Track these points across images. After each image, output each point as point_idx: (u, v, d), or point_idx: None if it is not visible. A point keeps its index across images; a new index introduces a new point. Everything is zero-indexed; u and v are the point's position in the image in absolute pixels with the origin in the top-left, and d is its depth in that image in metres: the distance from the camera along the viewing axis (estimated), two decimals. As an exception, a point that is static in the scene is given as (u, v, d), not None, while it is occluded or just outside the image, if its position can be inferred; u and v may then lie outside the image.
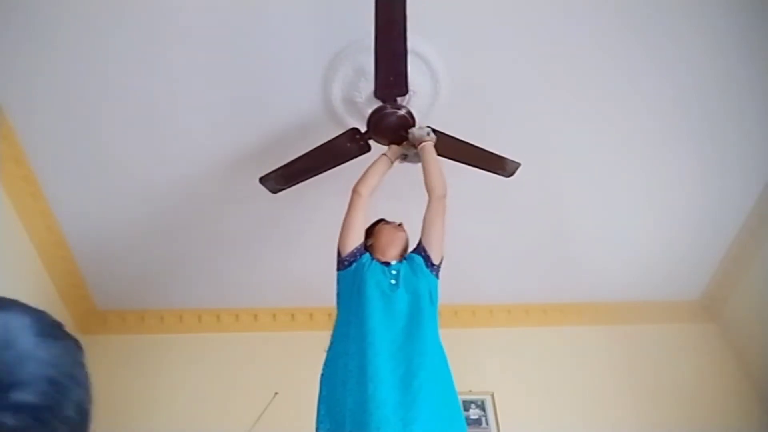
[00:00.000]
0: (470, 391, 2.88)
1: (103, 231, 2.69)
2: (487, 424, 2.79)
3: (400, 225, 1.92)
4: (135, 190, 2.52)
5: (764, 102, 2.39)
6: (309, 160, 2.06)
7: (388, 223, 1.93)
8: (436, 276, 1.78)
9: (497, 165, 2.21)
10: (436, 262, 1.78)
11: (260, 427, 2.63)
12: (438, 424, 1.39)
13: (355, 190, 1.81)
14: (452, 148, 2.09)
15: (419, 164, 1.94)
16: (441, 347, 1.61)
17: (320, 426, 1.44)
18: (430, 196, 1.86)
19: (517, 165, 2.23)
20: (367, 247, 1.82)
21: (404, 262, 1.78)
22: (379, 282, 1.65)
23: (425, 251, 1.80)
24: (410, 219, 1.95)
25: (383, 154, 1.95)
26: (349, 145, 2.02)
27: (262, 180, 2.15)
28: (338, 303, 1.70)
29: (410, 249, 1.88)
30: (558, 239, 2.96)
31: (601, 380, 3.04)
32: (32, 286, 2.62)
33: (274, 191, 2.21)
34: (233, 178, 2.48)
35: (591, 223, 2.89)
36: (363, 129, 2.03)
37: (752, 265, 3.05)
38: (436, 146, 1.93)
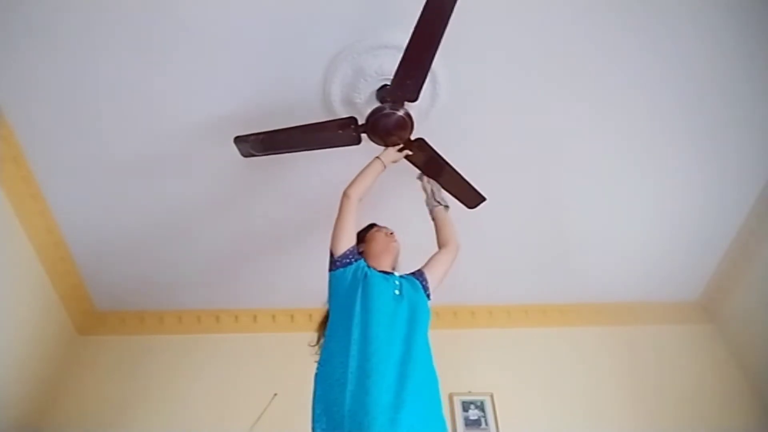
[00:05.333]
0: (470, 392, 2.89)
1: (102, 232, 2.69)
2: (487, 424, 2.79)
3: (392, 234, 1.95)
4: (135, 190, 2.52)
5: (763, 103, 2.39)
6: (294, 134, 2.01)
7: (380, 229, 1.95)
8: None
9: (466, 194, 2.27)
10: (431, 294, 1.86)
11: (259, 427, 2.63)
12: (422, 425, 1.41)
13: (345, 194, 1.81)
14: (430, 164, 2.13)
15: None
16: (431, 354, 1.63)
17: (316, 426, 1.43)
18: (446, 247, 2.00)
19: (482, 199, 2.30)
20: (360, 252, 1.82)
21: (404, 279, 1.81)
22: (385, 290, 1.66)
23: (426, 282, 1.86)
24: (405, 218, 1.97)
25: (377, 157, 1.95)
26: (340, 132, 1.99)
27: (238, 140, 2.04)
28: (333, 303, 1.69)
29: (407, 271, 1.90)
30: (557, 240, 2.97)
31: (601, 381, 3.04)
32: (31, 287, 2.62)
33: (246, 155, 2.13)
34: (233, 179, 2.48)
35: (590, 224, 2.90)
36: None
37: (751, 266, 3.05)
38: (418, 161, 2.10)
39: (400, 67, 1.76)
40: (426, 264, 1.95)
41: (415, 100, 1.89)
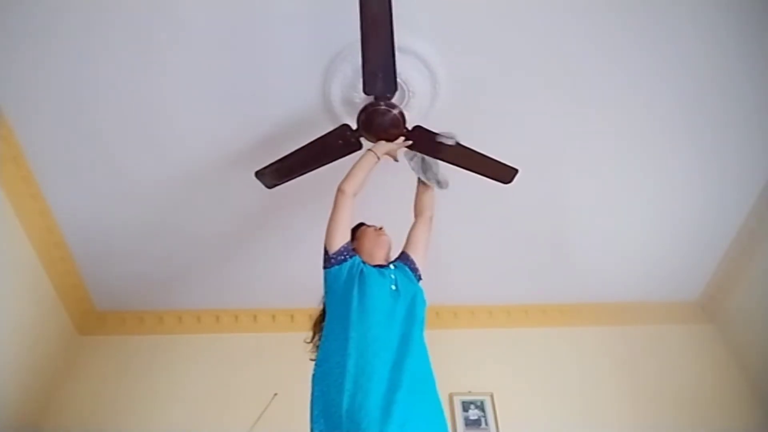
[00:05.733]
0: (469, 392, 2.89)
1: (102, 231, 2.69)
2: (487, 424, 2.79)
3: (381, 228, 1.95)
4: (134, 190, 2.52)
5: (763, 103, 2.39)
6: (302, 156, 2.06)
7: (368, 226, 1.95)
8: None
9: (497, 172, 2.23)
10: (421, 275, 1.87)
11: (260, 427, 2.63)
12: (418, 421, 1.40)
13: (339, 189, 1.78)
14: (453, 152, 2.09)
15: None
16: (426, 349, 1.62)
17: (314, 426, 1.43)
18: (421, 216, 2.02)
19: (515, 171, 2.25)
20: (353, 249, 1.82)
21: (397, 270, 1.80)
22: (381, 287, 1.65)
23: (414, 263, 1.87)
24: (393, 216, 1.98)
25: (369, 149, 1.92)
26: (340, 142, 2.00)
27: (258, 174, 2.17)
28: (330, 301, 1.68)
29: (394, 257, 1.90)
30: (557, 240, 2.97)
31: (600, 381, 3.04)
32: (31, 287, 2.62)
33: (270, 186, 2.24)
34: (233, 178, 2.48)
35: (590, 224, 2.90)
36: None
37: (751, 266, 3.05)
38: (423, 149, 2.08)
39: (363, 66, 1.76)
40: (407, 243, 1.96)
41: (393, 91, 1.89)
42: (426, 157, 2.10)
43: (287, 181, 2.20)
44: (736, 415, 2.95)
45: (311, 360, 1.64)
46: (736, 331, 3.20)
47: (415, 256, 1.89)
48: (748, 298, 3.10)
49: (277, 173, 2.16)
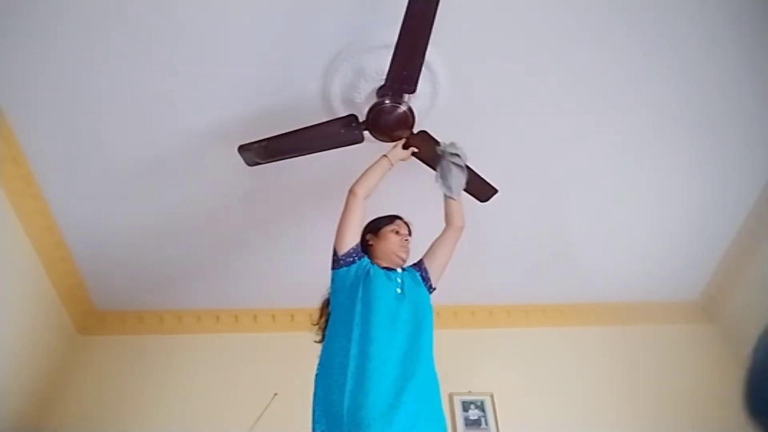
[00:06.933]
0: (470, 392, 2.89)
1: (102, 231, 2.69)
2: (487, 424, 2.79)
3: (407, 240, 1.91)
4: (135, 190, 2.52)
5: (763, 103, 2.39)
6: (297, 139, 1.98)
7: (398, 231, 1.90)
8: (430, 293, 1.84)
9: (478, 188, 2.23)
10: (434, 285, 1.85)
11: (260, 427, 2.63)
12: (420, 426, 1.40)
13: (351, 191, 1.78)
14: (436, 156, 2.08)
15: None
16: (433, 355, 1.62)
17: (316, 426, 1.43)
18: (449, 226, 1.96)
19: (494, 191, 2.26)
20: (366, 245, 1.82)
21: (405, 273, 1.79)
22: (387, 289, 1.65)
23: (427, 273, 1.85)
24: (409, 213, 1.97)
25: (384, 155, 1.93)
26: (342, 131, 1.97)
27: (242, 149, 2.04)
28: (335, 301, 1.69)
29: (409, 263, 1.88)
30: (557, 240, 2.97)
31: (600, 381, 3.05)
32: (31, 287, 2.62)
33: (251, 164, 2.13)
34: (233, 178, 2.48)
35: (590, 224, 2.90)
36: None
37: (751, 266, 3.05)
38: (421, 151, 2.07)
39: (394, 58, 1.74)
40: (427, 252, 1.92)
41: (413, 91, 1.88)
42: (453, 165, 2.01)
43: (271, 161, 2.10)
44: (736, 415, 2.92)
45: (315, 342, 1.67)
46: (736, 331, 3.20)
47: (431, 266, 1.86)
48: (748, 298, 3.10)
49: (265, 151, 2.03)
